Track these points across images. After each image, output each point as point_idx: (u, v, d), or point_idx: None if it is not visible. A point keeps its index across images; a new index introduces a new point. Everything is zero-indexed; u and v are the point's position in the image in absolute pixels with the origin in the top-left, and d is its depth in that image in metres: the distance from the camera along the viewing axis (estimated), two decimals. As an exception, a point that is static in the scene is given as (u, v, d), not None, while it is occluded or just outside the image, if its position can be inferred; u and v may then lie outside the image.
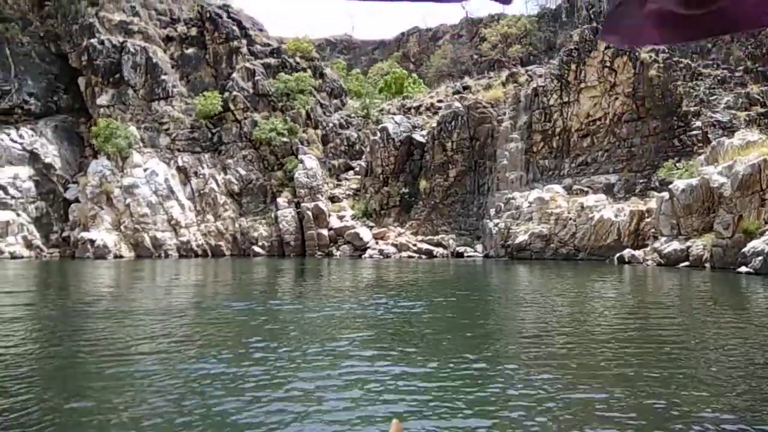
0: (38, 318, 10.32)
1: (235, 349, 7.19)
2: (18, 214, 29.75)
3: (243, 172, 35.01)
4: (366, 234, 30.66)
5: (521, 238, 25.04)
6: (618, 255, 21.98)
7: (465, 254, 28.48)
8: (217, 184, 34.28)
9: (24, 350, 7.56)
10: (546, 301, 12.27)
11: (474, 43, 58.01)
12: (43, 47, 35.33)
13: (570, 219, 24.74)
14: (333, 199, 35.15)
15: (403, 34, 68.06)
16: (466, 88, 39.22)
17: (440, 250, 28.62)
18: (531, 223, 25.49)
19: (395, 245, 29.12)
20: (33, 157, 31.74)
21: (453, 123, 31.84)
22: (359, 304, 11.55)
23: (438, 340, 7.91)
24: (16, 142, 31.50)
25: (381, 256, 28.45)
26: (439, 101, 39.51)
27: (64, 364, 6.59)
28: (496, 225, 27.17)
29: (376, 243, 30.47)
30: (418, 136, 34.22)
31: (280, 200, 33.54)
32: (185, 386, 5.55)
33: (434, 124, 33.39)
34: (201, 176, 34.23)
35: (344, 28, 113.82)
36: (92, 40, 33.99)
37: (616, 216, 24.02)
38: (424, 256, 28.18)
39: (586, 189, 27.39)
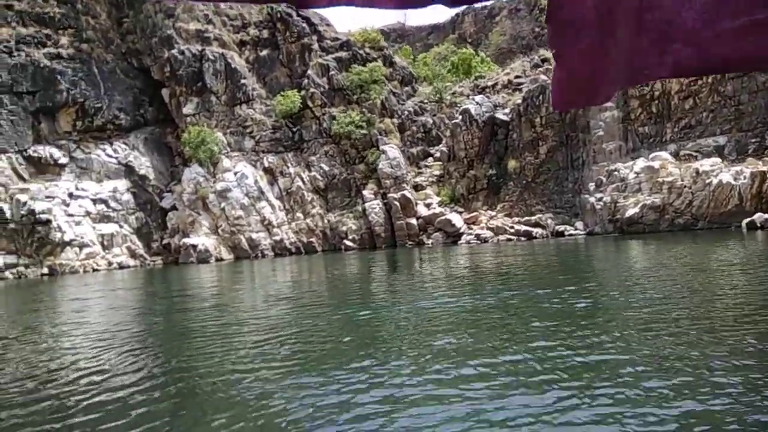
0: (221, 321, 10.20)
1: (338, 351, 6.76)
2: (120, 226, 30.97)
3: (326, 168, 35.08)
4: (458, 220, 29.99)
5: (631, 211, 23.67)
6: (747, 221, 20.32)
7: (566, 233, 27.29)
8: (303, 182, 34.51)
9: (204, 351, 7.44)
10: (680, 279, 10.78)
11: (534, 16, 55.98)
12: (126, 63, 36.57)
13: (685, 186, 23.15)
14: (416, 187, 34.66)
15: (457, 15, 66.54)
16: (544, 60, 37.65)
17: (539, 230, 27.57)
18: (640, 195, 24.05)
19: (491, 229, 28.31)
20: (128, 170, 32.96)
21: (540, 97, 30.55)
22: (469, 295, 10.66)
23: (564, 334, 6.65)
24: (111, 156, 32.79)
25: (478, 241, 27.71)
26: (517, 77, 38.20)
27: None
28: (599, 200, 25.85)
29: (469, 228, 29.75)
30: (501, 115, 33.12)
31: (366, 193, 33.39)
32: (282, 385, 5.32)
33: (518, 101, 32.19)
34: (287, 175, 34.57)
35: (395, 16, 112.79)
36: (173, 51, 34.85)
37: (735, 179, 22.26)
38: (523, 238, 27.23)
39: (694, 153, 25.64)
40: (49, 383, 6.05)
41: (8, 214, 27.47)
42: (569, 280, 12.09)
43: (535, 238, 27.15)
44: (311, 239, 33.21)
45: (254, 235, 31.99)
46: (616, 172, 25.88)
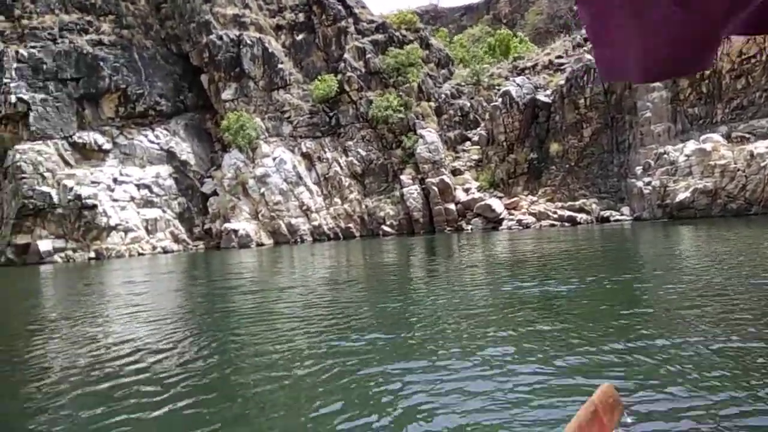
0: (287, 300, 10.23)
1: (376, 338, 6.46)
2: (164, 211, 31.47)
3: (363, 153, 34.92)
4: (498, 205, 29.54)
5: (682, 195, 22.89)
6: (808, 206, 19.41)
7: (611, 218, 26.63)
8: (341, 167, 34.45)
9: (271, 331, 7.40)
10: (738, 266, 10.01)
11: None
12: (165, 49, 36.91)
13: (738, 170, 22.25)
14: (454, 172, 34.23)
15: (492, -5, 65.36)
16: (587, 39, 36.54)
17: (583, 215, 26.95)
18: (691, 179, 23.22)
19: (533, 214, 27.79)
20: (170, 156, 33.39)
21: (584, 78, 29.71)
22: (513, 282, 10.12)
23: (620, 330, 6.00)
24: (153, 142, 33.25)
25: (520, 227, 27.26)
26: (558, 57, 37.26)
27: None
28: (647, 184, 25.08)
29: (510, 214, 29.29)
30: (543, 97, 32.34)
31: (404, 177, 33.14)
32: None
33: (561, 82, 31.37)
34: (324, 160, 34.55)
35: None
36: (211, 36, 34.99)
37: (793, 163, 21.29)
38: (566, 224, 26.67)
39: (747, 135, 24.58)
40: (97, 364, 6.15)
41: (56, 199, 28.17)
42: (621, 267, 11.67)
43: (580, 223, 26.56)
44: (349, 224, 33.20)
45: (293, 221, 32.15)
46: (665, 155, 25.04)
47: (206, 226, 32.68)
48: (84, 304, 11.90)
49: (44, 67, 30.60)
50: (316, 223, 32.64)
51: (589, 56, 30.83)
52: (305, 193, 33.08)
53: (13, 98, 29.30)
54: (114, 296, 13.46)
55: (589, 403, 1.85)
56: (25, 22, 31.50)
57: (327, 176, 34.23)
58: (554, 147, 30.43)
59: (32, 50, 30.67)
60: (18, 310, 12.13)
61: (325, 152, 34.92)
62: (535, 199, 30.18)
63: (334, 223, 33.15)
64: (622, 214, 26.84)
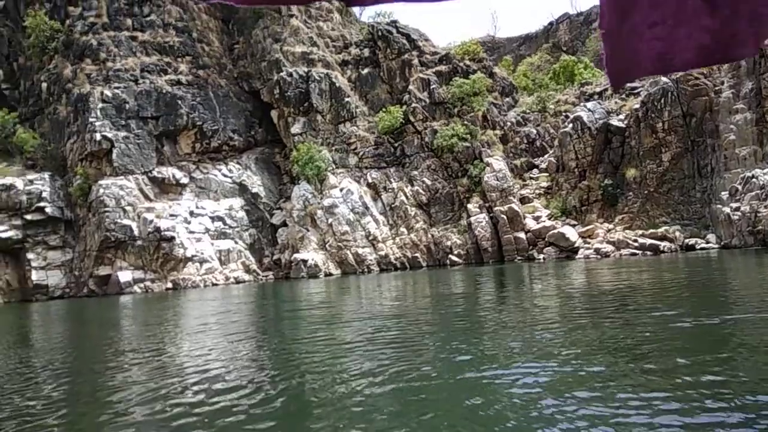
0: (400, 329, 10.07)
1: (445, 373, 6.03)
2: (236, 242, 32.23)
3: (429, 182, 34.76)
4: (572, 233, 28.52)
5: (778, 221, 21.32)
6: None
7: (696, 246, 25.11)
8: (406, 197, 34.38)
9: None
10: None
11: None
12: (237, 87, 38.43)
13: (842, 193, 20.55)
14: (522, 200, 33.46)
15: (551, 23, 64.90)
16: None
17: (666, 244, 25.54)
18: (787, 203, 21.63)
19: (612, 242, 26.61)
20: (242, 189, 34.37)
21: (662, 101, 28.59)
22: (596, 319, 9.20)
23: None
24: (227, 176, 34.35)
25: (598, 256, 26.11)
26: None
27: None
28: (735, 210, 23.57)
29: (585, 242, 28.18)
30: (616, 122, 31.32)
31: (471, 206, 32.65)
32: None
33: (636, 106, 30.30)
34: (390, 190, 34.60)
35: (486, 29, 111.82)
36: (281, 74, 36.14)
37: None
38: (648, 253, 25.33)
39: None
40: (171, 388, 6.38)
41: (136, 232, 29.41)
42: (718, 300, 10.67)
43: (663, 252, 25.16)
44: (416, 254, 32.89)
45: (360, 251, 32.17)
46: (753, 179, 23.52)
47: (275, 257, 33.18)
48: (174, 333, 12.10)
49: (126, 106, 32.43)
50: (382, 253, 32.53)
51: (665, 79, 29.74)
52: (372, 223, 33.14)
53: (98, 136, 31.10)
54: (200, 325, 13.64)
55: None
56: (109, 64, 33.62)
57: (393, 206, 34.21)
58: (631, 172, 29.24)
59: (116, 91, 32.62)
60: (110, 338, 12.45)
61: (391, 182, 35.00)
62: (611, 226, 28.95)
63: (401, 253, 32.93)
64: (708, 242, 25.30)
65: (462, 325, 9.86)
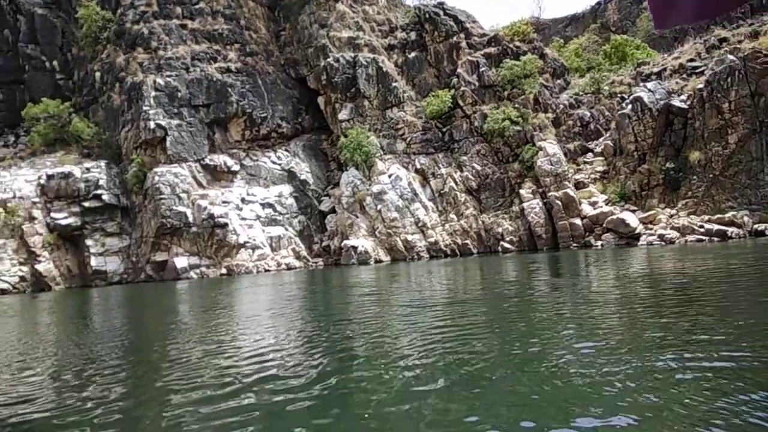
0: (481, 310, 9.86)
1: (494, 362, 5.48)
2: (286, 229, 32.33)
3: (478, 167, 34.08)
4: (632, 219, 27.47)
5: None
6: None
7: (767, 232, 23.84)
8: (455, 183, 33.81)
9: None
10: None
11: None
12: (284, 74, 38.38)
13: None
14: (577, 185, 32.45)
15: (599, 3, 62.79)
16: (723, 40, 33.65)
17: (734, 229, 24.33)
18: None
19: (676, 228, 25.52)
20: (291, 176, 34.41)
21: (728, 80, 27.12)
22: (679, 316, 8.31)
23: None
24: (275, 163, 34.43)
25: (662, 243, 25.08)
26: (690, 60, 34.53)
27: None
28: (814, 193, 22.19)
29: (646, 228, 27.13)
30: (678, 103, 29.92)
31: (523, 192, 31.85)
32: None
33: (700, 86, 28.86)
34: (439, 176, 34.09)
35: (529, 10, 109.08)
36: (328, 59, 35.89)
37: None
38: (715, 239, 24.18)
39: None
40: (223, 374, 6.55)
41: (191, 219, 29.79)
42: None
43: (731, 238, 23.98)
44: (466, 241, 32.36)
45: (409, 237, 31.85)
46: (835, 161, 22.07)
47: (324, 243, 33.17)
48: (236, 317, 12.04)
49: (179, 94, 32.75)
50: (432, 240, 32.13)
51: (732, 57, 28.23)
52: (420, 209, 32.74)
53: (152, 124, 31.54)
54: (265, 309, 13.59)
55: None
56: (161, 53, 33.97)
57: (442, 192, 33.70)
58: (695, 155, 27.92)
59: (168, 79, 32.96)
60: (176, 321, 12.49)
61: (439, 168, 34.47)
62: (673, 212, 27.78)
63: (451, 240, 32.46)
64: (780, 228, 23.97)
65: (517, 315, 9.50)
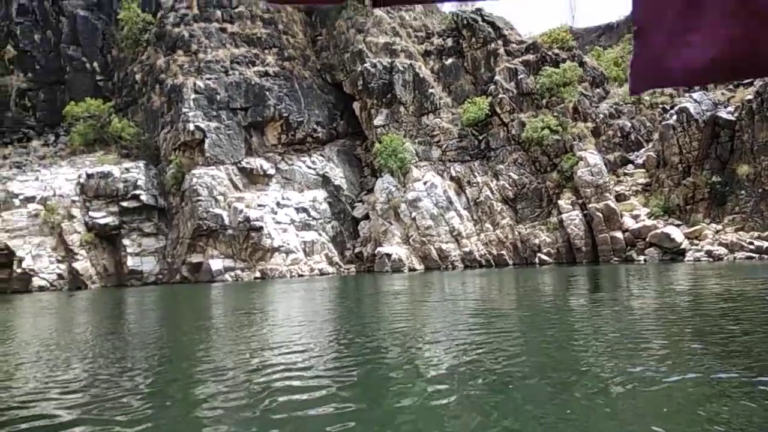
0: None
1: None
2: (319, 234, 32.18)
3: (515, 177, 33.50)
4: (677, 234, 26.66)
5: None
6: None
7: (823, 251, 22.88)
8: (492, 192, 33.28)
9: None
10: None
11: None
12: (321, 79, 38.37)
13: None
14: (618, 197, 31.65)
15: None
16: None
17: (786, 247, 23.42)
18: None
19: (724, 244, 24.65)
20: (325, 181, 34.30)
21: (781, 92, 26.23)
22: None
23: None
24: (310, 168, 34.36)
25: (710, 259, 24.25)
26: (737, 72, 33.58)
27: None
28: None
29: (692, 243, 26.29)
30: (725, 114, 29.05)
31: (562, 203, 31.17)
32: None
33: (749, 97, 27.98)
34: (474, 185, 33.60)
35: (563, 18, 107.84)
36: (365, 65, 35.75)
37: None
38: (765, 256, 23.30)
39: None
40: (248, 373, 6.82)
41: (227, 221, 29.83)
42: None
43: (783, 256, 23.10)
44: (501, 251, 31.79)
45: (444, 246, 31.41)
46: None
47: (357, 250, 32.92)
48: (272, 322, 11.80)
49: (218, 97, 32.93)
50: (467, 249, 31.64)
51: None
52: (455, 218, 32.29)
53: (191, 126, 31.73)
54: (301, 318, 13.35)
55: None
56: (201, 56, 34.22)
57: (477, 201, 33.20)
58: (743, 169, 27.02)
59: (207, 82, 33.17)
60: (215, 324, 12.30)
61: (475, 176, 33.98)
62: (719, 227, 26.89)
63: (486, 250, 31.92)
64: (836, 247, 23.00)
65: (552, 334, 9.13)
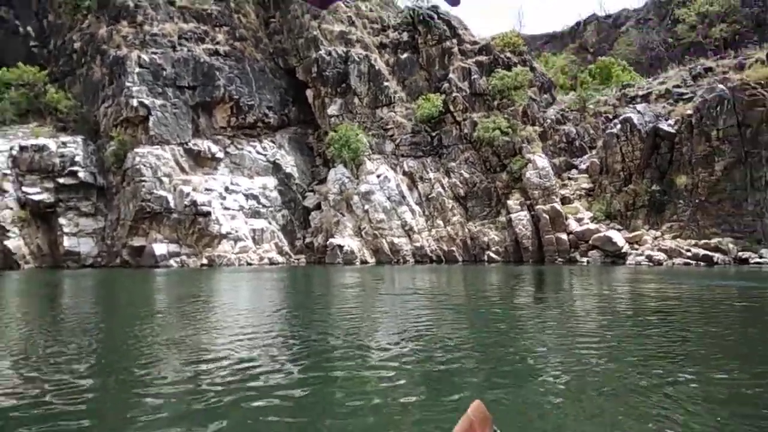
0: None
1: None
2: (269, 222, 31.33)
3: (467, 175, 33.97)
4: (618, 238, 27.89)
5: None
6: None
7: (750, 260, 24.61)
8: (443, 188, 33.59)
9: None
10: None
11: (665, 26, 53.08)
12: (273, 63, 37.28)
13: None
14: (563, 200, 32.77)
15: (578, 24, 64.16)
16: (708, 69, 34.77)
17: (719, 255, 25.02)
18: None
19: (664, 250, 26.03)
20: (276, 168, 33.40)
21: (717, 108, 27.94)
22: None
23: None
24: (260, 154, 33.35)
25: (650, 263, 25.53)
26: (676, 86, 35.50)
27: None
28: (799, 225, 23.02)
29: (632, 248, 27.61)
30: (666, 126, 30.65)
31: (511, 203, 31.91)
32: None
33: (689, 112, 29.64)
34: (427, 181, 33.80)
35: (511, 24, 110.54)
36: (320, 52, 35.07)
37: None
38: (702, 263, 24.79)
39: None
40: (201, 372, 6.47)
41: (172, 204, 28.38)
42: None
43: (717, 264, 24.64)
44: (452, 248, 32.17)
45: (396, 240, 31.40)
46: (820, 196, 22.97)
47: (308, 240, 32.34)
48: (223, 312, 11.31)
49: (164, 73, 31.22)
50: (418, 245, 31.79)
51: (721, 86, 29.13)
52: (408, 212, 32.36)
53: (134, 102, 29.93)
54: (255, 309, 12.87)
55: (465, 417, 2.12)
56: (146, 28, 32.35)
57: (429, 197, 33.42)
58: (681, 180, 28.61)
59: (153, 56, 31.39)
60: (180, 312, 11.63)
61: (428, 172, 34.19)
62: (658, 234, 28.38)
63: (437, 246, 32.20)
64: (761, 257, 24.79)
65: (498, 326, 9.54)
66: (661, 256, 25.71)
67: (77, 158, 28.95)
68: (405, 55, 38.24)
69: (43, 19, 36.84)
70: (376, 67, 36.15)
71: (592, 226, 29.83)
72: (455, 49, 37.76)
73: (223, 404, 5.02)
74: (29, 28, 36.52)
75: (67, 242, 27.82)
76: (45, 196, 27.64)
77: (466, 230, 32.27)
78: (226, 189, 30.33)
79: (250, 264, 28.91)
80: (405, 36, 39.09)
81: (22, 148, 28.13)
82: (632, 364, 6.50)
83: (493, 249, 31.16)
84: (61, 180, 28.21)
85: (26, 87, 31.94)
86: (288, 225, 32.34)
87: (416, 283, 20.22)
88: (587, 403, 5.10)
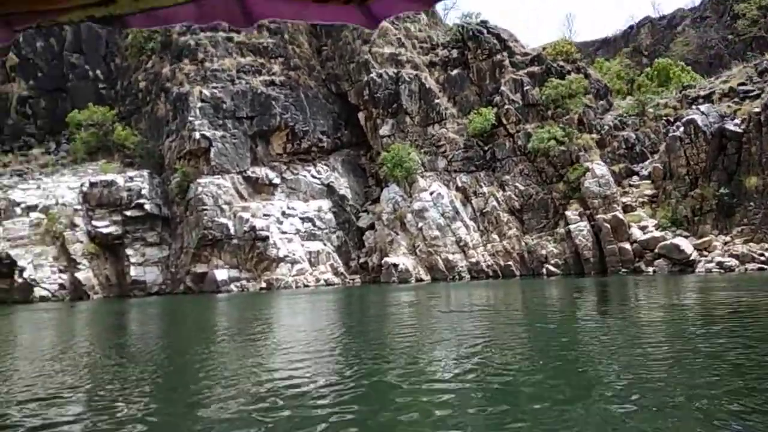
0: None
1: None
2: (324, 244, 31.91)
3: (521, 187, 33.39)
4: (686, 245, 26.53)
5: None
6: None
7: (835, 264, 22.78)
8: (498, 202, 33.14)
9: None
10: None
11: (724, 23, 50.56)
12: (326, 89, 38.31)
13: None
14: (624, 208, 31.55)
15: (631, 27, 62.15)
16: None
17: (798, 259, 23.32)
18: None
19: (735, 256, 24.53)
20: (330, 191, 34.10)
21: (790, 104, 26.26)
22: None
23: None
24: (315, 177, 34.17)
25: (721, 270, 24.10)
26: (741, 84, 33.63)
27: None
28: None
29: (701, 255, 26.16)
30: (732, 126, 29.07)
31: (570, 214, 31.02)
32: None
33: (756, 110, 28.03)
34: (480, 195, 33.47)
35: (561, 33, 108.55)
36: (371, 75, 35.72)
37: None
38: (777, 269, 23.19)
39: None
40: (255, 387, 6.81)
41: (232, 230, 29.51)
42: None
43: (795, 268, 22.98)
44: (508, 262, 31.58)
45: (450, 257, 31.18)
46: None
47: (362, 260, 32.65)
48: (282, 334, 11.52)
49: (224, 106, 32.75)
50: (473, 260, 31.41)
51: (792, 80, 27.39)
52: (462, 228, 32.10)
53: (197, 135, 31.50)
54: (311, 330, 13.05)
55: None
56: (207, 65, 34.09)
57: (484, 211, 33.05)
58: (752, 181, 26.98)
59: (213, 90, 33.01)
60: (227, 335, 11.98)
61: (481, 186, 33.87)
62: (728, 239, 26.79)
63: (493, 261, 31.71)
64: None
65: (559, 344, 9.14)
66: (733, 262, 24.24)
67: (143, 191, 30.70)
68: (455, 72, 38.32)
69: (111, 63, 39.61)
70: (427, 86, 36.41)
71: (658, 233, 28.53)
72: (506, 62, 37.48)
73: (291, 425, 5.19)
74: (98, 72, 39.35)
75: (133, 272, 29.43)
76: (113, 229, 29.42)
77: (523, 244, 31.63)
78: (283, 213, 31.23)
79: (307, 286, 29.50)
80: (455, 53, 39.23)
81: (92, 184, 30.14)
82: (709, 384, 6.11)
83: (552, 262, 30.34)
84: (128, 212, 29.97)
85: (96, 126, 34.32)
86: (343, 246, 32.83)
87: (473, 300, 19.98)
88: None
